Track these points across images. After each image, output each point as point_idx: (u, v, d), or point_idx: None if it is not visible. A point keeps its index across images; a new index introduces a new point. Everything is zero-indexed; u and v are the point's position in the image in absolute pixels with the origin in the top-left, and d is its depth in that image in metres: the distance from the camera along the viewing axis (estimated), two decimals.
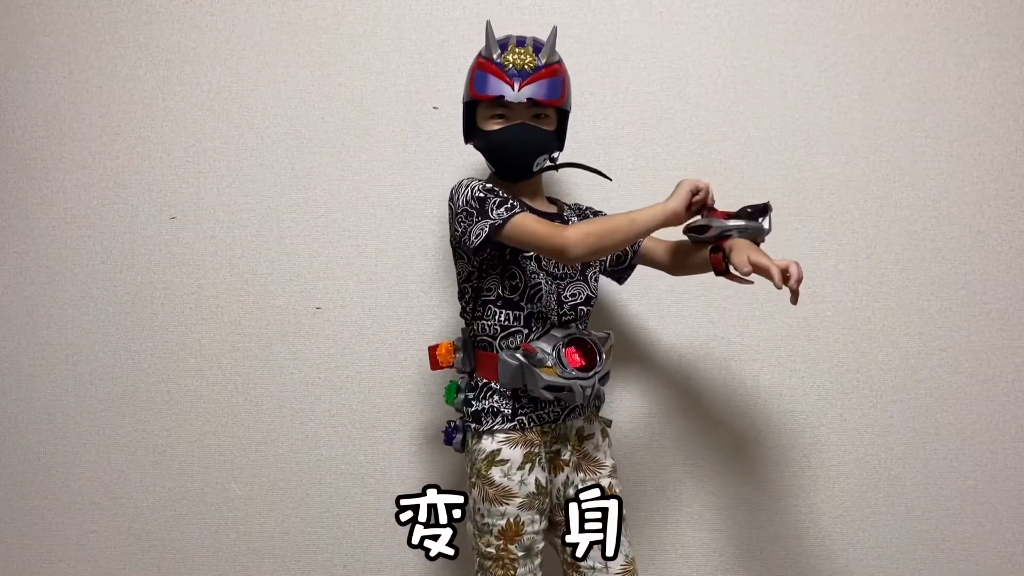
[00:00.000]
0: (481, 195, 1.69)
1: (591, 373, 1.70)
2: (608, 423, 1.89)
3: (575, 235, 1.61)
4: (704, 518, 2.21)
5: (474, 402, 1.77)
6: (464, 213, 1.69)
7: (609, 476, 1.81)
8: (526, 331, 1.74)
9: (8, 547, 2.26)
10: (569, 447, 1.80)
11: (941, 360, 2.20)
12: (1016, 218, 2.18)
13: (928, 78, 2.17)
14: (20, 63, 2.20)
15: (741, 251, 1.64)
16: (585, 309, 1.80)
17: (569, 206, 1.89)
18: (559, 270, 1.77)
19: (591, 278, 1.82)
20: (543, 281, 1.75)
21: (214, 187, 2.19)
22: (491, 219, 1.66)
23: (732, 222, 1.68)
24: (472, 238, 1.67)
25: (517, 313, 1.75)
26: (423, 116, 2.16)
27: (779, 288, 1.57)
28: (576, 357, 1.70)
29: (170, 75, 2.19)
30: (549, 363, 1.68)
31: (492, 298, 1.76)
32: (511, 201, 1.68)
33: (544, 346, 1.70)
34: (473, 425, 1.76)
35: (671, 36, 2.16)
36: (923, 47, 2.16)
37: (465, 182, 1.73)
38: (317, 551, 2.23)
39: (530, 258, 1.74)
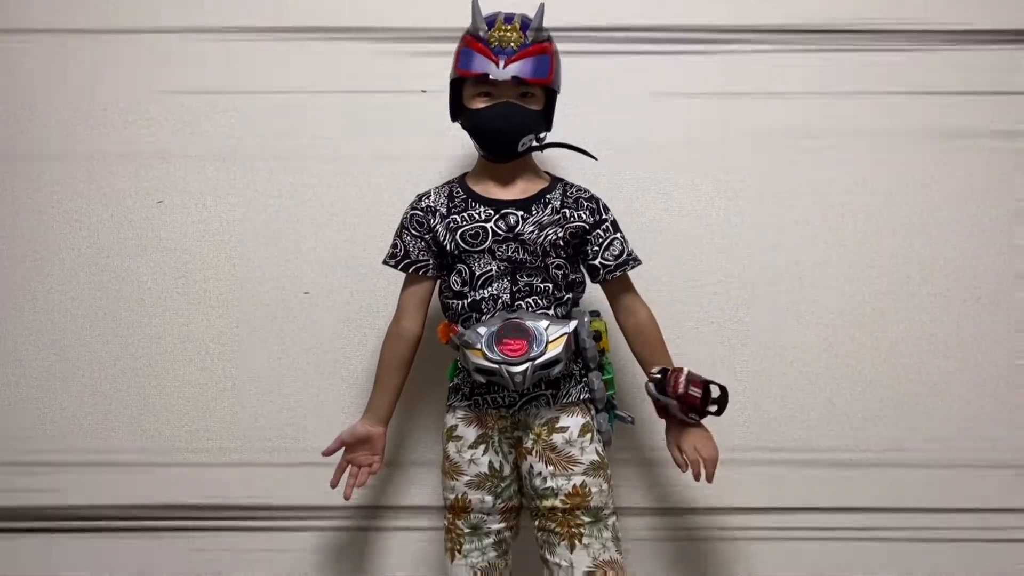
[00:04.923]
0: (400, 223, 1.87)
1: (521, 359, 1.68)
2: (625, 420, 1.87)
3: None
4: (694, 503, 2.20)
5: (454, 379, 1.84)
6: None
7: (583, 474, 1.75)
8: (475, 315, 1.76)
9: None
10: (531, 436, 1.78)
11: (931, 345, 2.19)
12: (1006, 202, 2.18)
13: (917, 64, 2.17)
14: (3, 48, 2.19)
15: (674, 433, 1.82)
16: (543, 287, 1.78)
17: (571, 188, 1.86)
18: (518, 255, 1.77)
19: (552, 267, 1.79)
20: (494, 269, 1.77)
21: (201, 171, 2.19)
22: (387, 256, 1.87)
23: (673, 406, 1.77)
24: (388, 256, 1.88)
25: (464, 302, 1.78)
26: (412, 99, 2.15)
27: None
28: (508, 341, 1.69)
29: (156, 59, 2.18)
30: (478, 346, 1.69)
31: (448, 293, 1.81)
32: (402, 251, 1.84)
33: (480, 328, 1.71)
34: (447, 400, 1.84)
35: (665, 16, 2.16)
36: (913, 33, 2.17)
37: (414, 200, 1.87)
38: (307, 539, 2.22)
39: (481, 253, 1.77)
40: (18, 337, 2.21)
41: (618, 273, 1.83)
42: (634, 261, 1.85)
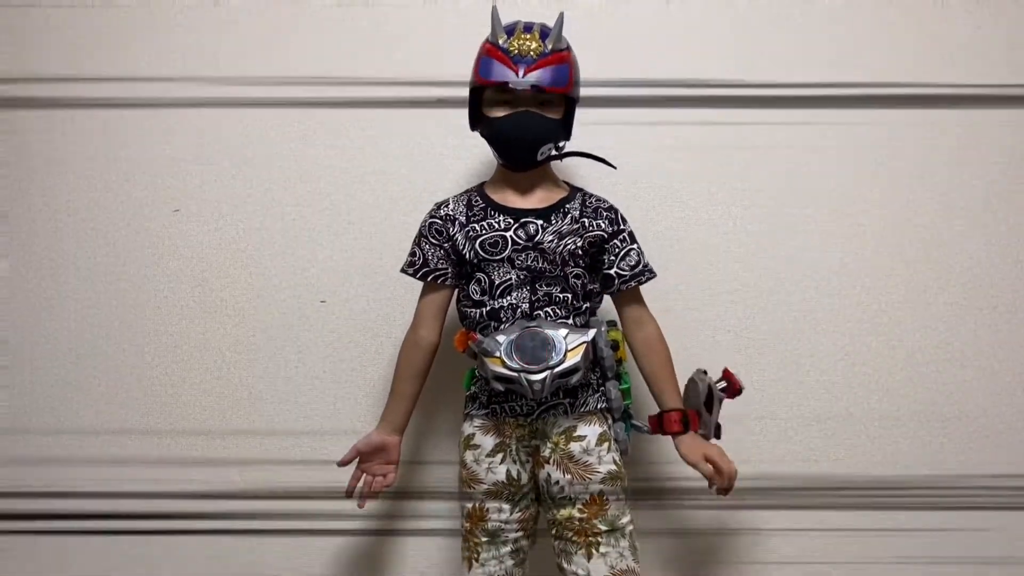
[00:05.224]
0: (418, 231, 1.86)
1: (540, 367, 1.67)
2: (641, 429, 1.85)
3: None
4: (708, 514, 2.20)
5: (471, 387, 1.83)
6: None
7: (601, 483, 1.75)
8: (494, 323, 1.76)
9: (12, 544, 2.25)
10: (549, 444, 1.77)
11: (947, 354, 2.19)
12: (1023, 211, 2.18)
13: (933, 72, 2.17)
14: (22, 56, 2.20)
15: (689, 445, 1.80)
16: (563, 296, 1.78)
17: (591, 198, 1.86)
18: (537, 264, 1.77)
19: (571, 276, 1.79)
20: (513, 278, 1.77)
21: (218, 180, 2.20)
22: (405, 264, 1.86)
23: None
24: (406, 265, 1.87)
25: (483, 311, 1.78)
26: (429, 108, 2.15)
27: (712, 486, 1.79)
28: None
29: (173, 68, 2.19)
30: (497, 354, 1.69)
31: (466, 302, 1.81)
32: (421, 260, 1.84)
33: (499, 336, 1.71)
34: (464, 409, 1.83)
35: (679, 25, 2.17)
36: (927, 40, 2.17)
37: (432, 209, 1.86)
38: (323, 547, 2.22)
39: (501, 262, 1.77)
40: (35, 345, 2.21)
41: (633, 284, 1.83)
42: (649, 273, 1.85)
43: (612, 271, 1.82)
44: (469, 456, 1.81)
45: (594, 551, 1.73)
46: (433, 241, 1.83)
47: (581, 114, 1.83)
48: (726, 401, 1.83)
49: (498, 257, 1.77)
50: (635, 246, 1.84)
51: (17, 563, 2.24)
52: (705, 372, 1.81)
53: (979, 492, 2.18)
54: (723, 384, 1.82)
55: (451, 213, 1.83)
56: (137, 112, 2.19)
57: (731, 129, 2.17)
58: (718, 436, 1.81)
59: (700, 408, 1.81)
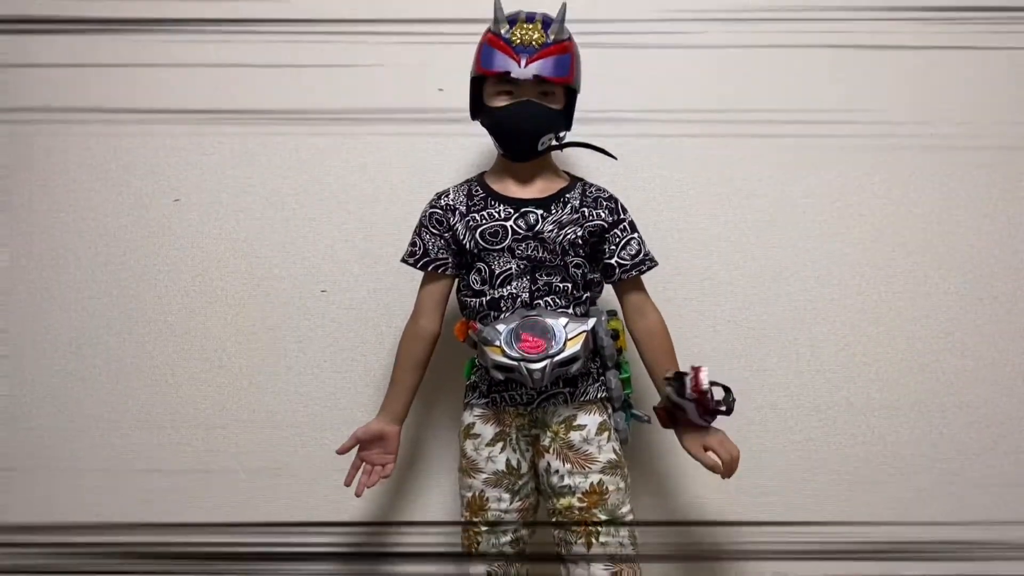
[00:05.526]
0: (419, 221, 1.87)
1: (540, 356, 1.67)
2: (641, 419, 1.86)
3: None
4: (708, 503, 2.20)
5: (471, 376, 1.83)
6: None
7: (601, 472, 1.74)
8: (493, 313, 1.77)
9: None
10: (549, 433, 1.77)
11: (947, 343, 2.19)
12: (1022, 200, 2.18)
13: (933, 60, 2.18)
14: (22, 45, 2.20)
15: (688, 437, 1.78)
16: (563, 286, 1.78)
17: (591, 188, 1.86)
18: (537, 254, 1.77)
19: (571, 266, 1.79)
20: (513, 268, 1.77)
21: (218, 169, 2.20)
22: (406, 254, 1.87)
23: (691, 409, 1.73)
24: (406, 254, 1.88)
25: (483, 300, 1.78)
26: (429, 97, 2.15)
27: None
28: (527, 338, 1.68)
29: (173, 57, 2.19)
30: (497, 342, 1.69)
31: (466, 291, 1.81)
32: (421, 249, 1.84)
33: (499, 326, 1.70)
34: (464, 398, 1.84)
35: (680, 17, 2.16)
36: (927, 28, 2.17)
37: (433, 198, 1.86)
38: (323, 536, 2.22)
39: (501, 252, 1.77)
40: (36, 335, 2.21)
41: (634, 273, 1.83)
42: (651, 262, 1.85)
43: (613, 260, 1.82)
44: (469, 445, 1.81)
45: (594, 540, 1.73)
46: (434, 231, 1.83)
47: (581, 105, 1.84)
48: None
49: (498, 247, 1.77)
50: (636, 235, 1.84)
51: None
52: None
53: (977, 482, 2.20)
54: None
55: (451, 203, 1.83)
56: (136, 101, 2.19)
57: (732, 118, 2.16)
58: (729, 413, 1.73)
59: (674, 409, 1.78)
